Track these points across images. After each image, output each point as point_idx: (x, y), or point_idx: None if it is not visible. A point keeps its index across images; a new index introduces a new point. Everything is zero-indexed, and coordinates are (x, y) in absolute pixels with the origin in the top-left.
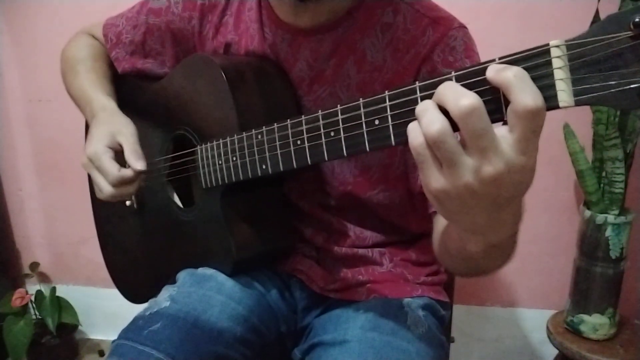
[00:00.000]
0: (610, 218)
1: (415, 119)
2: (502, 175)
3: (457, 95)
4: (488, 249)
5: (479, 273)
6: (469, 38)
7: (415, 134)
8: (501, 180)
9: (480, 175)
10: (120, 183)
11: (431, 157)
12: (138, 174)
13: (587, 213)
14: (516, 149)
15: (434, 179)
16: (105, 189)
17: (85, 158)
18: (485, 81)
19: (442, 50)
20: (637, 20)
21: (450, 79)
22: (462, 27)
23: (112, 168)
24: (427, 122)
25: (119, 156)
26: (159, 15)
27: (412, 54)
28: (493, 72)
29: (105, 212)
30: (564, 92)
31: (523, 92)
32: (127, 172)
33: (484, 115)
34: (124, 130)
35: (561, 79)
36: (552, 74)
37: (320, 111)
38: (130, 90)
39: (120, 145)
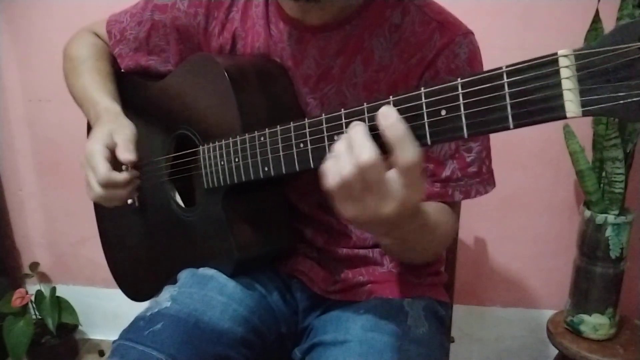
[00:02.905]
0: (610, 218)
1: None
2: (395, 211)
3: (360, 149)
4: (399, 243)
5: (411, 261)
6: (474, 45)
7: (331, 174)
8: (395, 213)
9: (379, 211)
10: (107, 184)
11: (343, 194)
12: (128, 179)
13: (587, 213)
14: (406, 192)
15: (346, 210)
16: (95, 188)
17: (82, 156)
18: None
19: (446, 57)
20: None
21: (455, 87)
22: (469, 33)
23: (102, 168)
24: (341, 166)
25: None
26: (164, 11)
27: (418, 57)
28: (383, 125)
29: (107, 211)
30: (571, 103)
31: (405, 150)
32: (116, 176)
33: (380, 169)
34: (122, 130)
35: (569, 89)
36: (559, 84)
37: (323, 115)
38: (132, 89)
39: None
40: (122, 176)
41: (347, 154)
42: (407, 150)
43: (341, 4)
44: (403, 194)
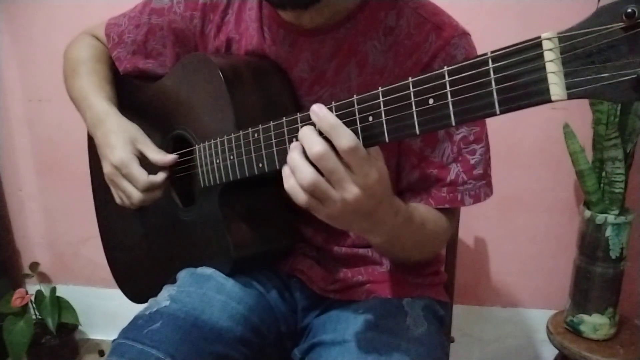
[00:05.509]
0: (610, 218)
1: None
2: (359, 195)
3: (310, 144)
4: (389, 240)
5: (405, 261)
6: (471, 46)
7: (295, 188)
8: (360, 198)
9: (345, 201)
10: (149, 188)
11: (312, 199)
12: (164, 179)
13: (587, 213)
14: (360, 174)
15: (320, 213)
16: (135, 195)
17: (110, 167)
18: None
19: (443, 60)
20: (628, 11)
21: (442, 75)
22: (465, 34)
23: (142, 174)
24: (300, 176)
25: (141, 163)
26: (161, 14)
27: (414, 59)
28: (316, 121)
29: (108, 212)
30: (556, 86)
31: (339, 137)
32: (155, 178)
33: (332, 157)
34: (140, 137)
35: (553, 72)
36: (543, 67)
37: None
38: (130, 90)
39: (140, 152)
40: (161, 177)
41: (305, 163)
42: (342, 136)
43: (334, 7)
44: (359, 177)
